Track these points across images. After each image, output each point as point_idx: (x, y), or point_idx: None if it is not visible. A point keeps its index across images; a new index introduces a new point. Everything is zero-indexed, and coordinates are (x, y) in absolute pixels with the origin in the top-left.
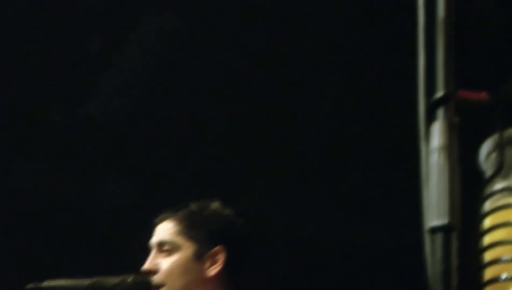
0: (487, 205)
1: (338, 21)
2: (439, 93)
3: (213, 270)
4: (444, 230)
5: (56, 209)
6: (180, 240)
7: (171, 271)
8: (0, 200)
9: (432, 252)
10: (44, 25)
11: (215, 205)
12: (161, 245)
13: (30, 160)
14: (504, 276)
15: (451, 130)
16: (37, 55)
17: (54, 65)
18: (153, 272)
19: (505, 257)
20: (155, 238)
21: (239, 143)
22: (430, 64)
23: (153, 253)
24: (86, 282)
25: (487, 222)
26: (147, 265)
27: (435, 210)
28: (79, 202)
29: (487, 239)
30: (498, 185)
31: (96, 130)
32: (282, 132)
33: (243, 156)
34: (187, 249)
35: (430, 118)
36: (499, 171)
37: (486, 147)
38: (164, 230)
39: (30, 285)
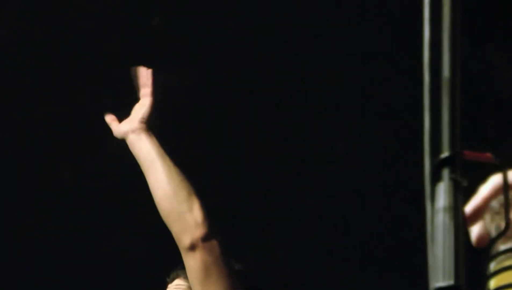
0: (492, 266)
1: (350, 79)
2: (445, 153)
3: None
4: None
5: (67, 261)
6: None
7: None
8: (13, 251)
9: None
10: (56, 81)
11: None
12: None
13: (42, 214)
14: None
15: (456, 190)
16: (46, 111)
17: (65, 121)
18: None
19: None
20: None
21: (249, 197)
22: (437, 124)
23: None
24: None
25: (493, 284)
26: None
27: (441, 271)
28: (90, 254)
29: None
30: (503, 245)
31: (104, 184)
32: (292, 186)
33: (252, 210)
34: None
35: (436, 178)
36: (504, 232)
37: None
38: (176, 288)
39: None
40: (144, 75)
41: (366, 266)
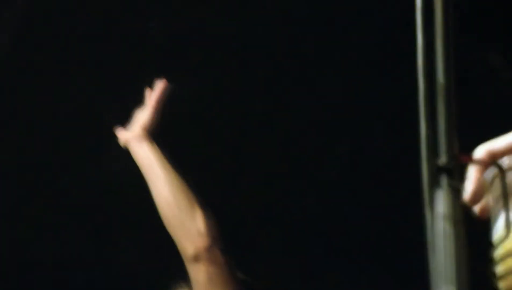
0: (497, 269)
1: (349, 86)
2: (442, 160)
3: None
4: None
5: (68, 271)
6: None
7: None
8: (13, 263)
9: None
10: (55, 86)
11: None
12: None
13: (42, 223)
14: None
15: (455, 197)
16: (46, 116)
17: (64, 128)
18: None
19: None
20: None
21: (248, 198)
22: (434, 129)
23: None
24: None
25: (503, 285)
26: None
27: (442, 278)
28: (94, 265)
29: None
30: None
31: (106, 193)
32: (292, 191)
33: (251, 210)
34: None
35: (434, 185)
36: (507, 235)
37: None
38: None
39: None
40: (158, 86)
41: (366, 267)
